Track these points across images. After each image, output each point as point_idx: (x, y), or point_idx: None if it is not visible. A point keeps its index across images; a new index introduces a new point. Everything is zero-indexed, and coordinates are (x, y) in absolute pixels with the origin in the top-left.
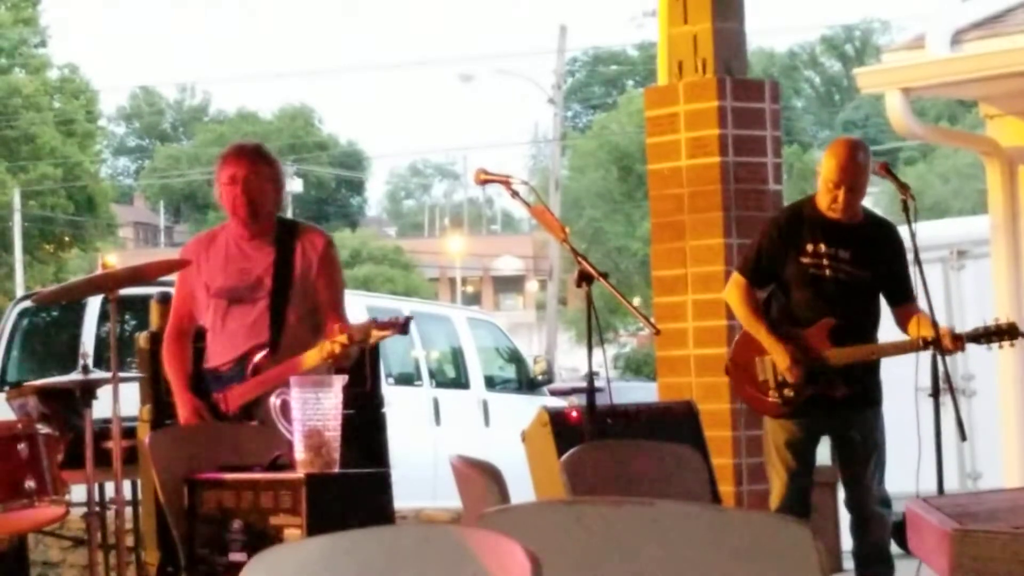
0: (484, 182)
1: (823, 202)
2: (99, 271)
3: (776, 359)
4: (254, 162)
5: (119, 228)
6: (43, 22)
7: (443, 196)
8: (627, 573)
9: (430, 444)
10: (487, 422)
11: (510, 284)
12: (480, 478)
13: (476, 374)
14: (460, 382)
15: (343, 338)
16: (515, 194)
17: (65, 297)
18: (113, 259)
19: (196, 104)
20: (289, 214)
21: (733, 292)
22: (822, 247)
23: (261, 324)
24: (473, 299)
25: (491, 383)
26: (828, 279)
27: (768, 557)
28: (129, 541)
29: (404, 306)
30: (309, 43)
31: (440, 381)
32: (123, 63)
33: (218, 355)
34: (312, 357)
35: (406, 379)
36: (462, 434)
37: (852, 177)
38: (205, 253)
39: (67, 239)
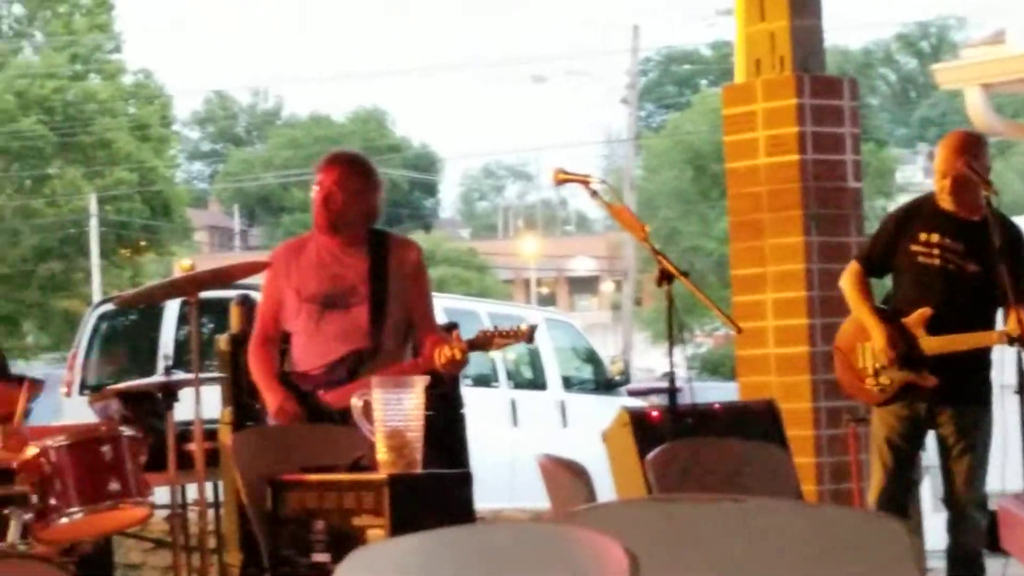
0: (562, 182)
1: (936, 193)
2: (178, 274)
3: (874, 339)
4: (341, 172)
5: (194, 232)
6: (117, 28)
7: (516, 197)
8: (719, 571)
9: (508, 445)
10: (565, 423)
11: (585, 285)
12: (568, 477)
13: (553, 375)
14: (537, 383)
15: (463, 345)
16: (594, 194)
17: (147, 300)
18: (188, 262)
19: (269, 108)
20: None
21: (846, 278)
22: (935, 237)
23: (358, 329)
24: (548, 300)
25: (568, 384)
26: (936, 269)
27: (862, 554)
28: (211, 543)
29: (480, 307)
30: (381, 45)
31: (517, 382)
32: (196, 68)
33: (310, 359)
34: (432, 362)
35: (483, 380)
36: (540, 435)
37: (956, 166)
38: (295, 259)
39: (143, 244)
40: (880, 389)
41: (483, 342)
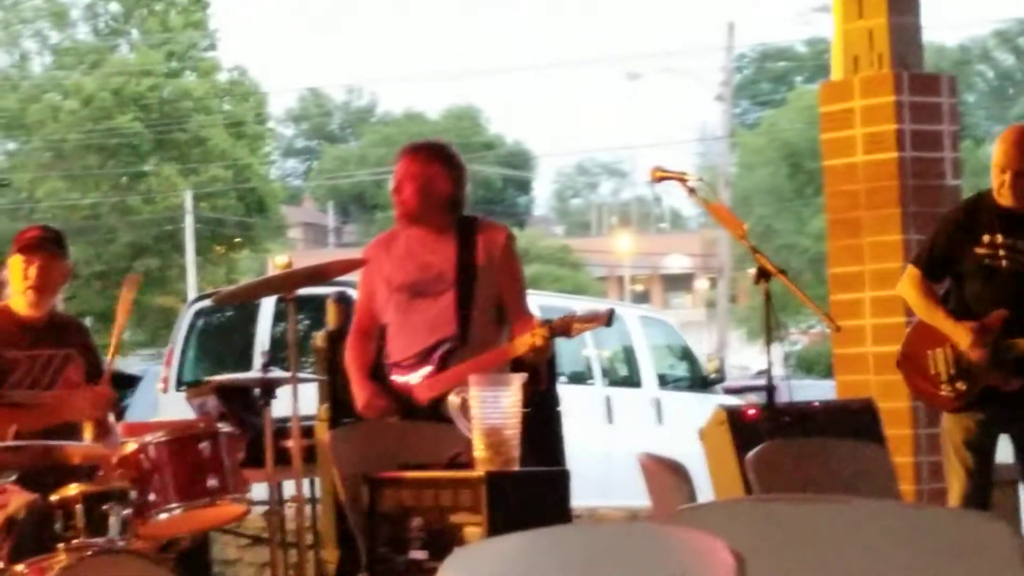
0: (660, 179)
1: (995, 189)
2: (272, 271)
3: (959, 341)
4: (408, 161)
5: (288, 229)
6: (212, 25)
7: (610, 194)
8: (823, 572)
9: (602, 443)
10: (660, 420)
11: (679, 282)
12: (668, 475)
13: (649, 372)
14: (632, 380)
15: (544, 331)
16: (692, 191)
17: (245, 297)
18: (283, 259)
19: (363, 105)
20: None
21: (907, 284)
22: (999, 238)
23: (446, 317)
24: (642, 297)
25: (664, 381)
26: (1004, 271)
27: (969, 554)
28: (308, 539)
29: (575, 305)
30: (476, 43)
31: (612, 380)
32: (291, 65)
33: (401, 349)
34: (514, 349)
35: (578, 378)
36: (635, 432)
37: (1019, 161)
38: (386, 250)
39: (237, 240)
40: (955, 395)
41: (563, 327)
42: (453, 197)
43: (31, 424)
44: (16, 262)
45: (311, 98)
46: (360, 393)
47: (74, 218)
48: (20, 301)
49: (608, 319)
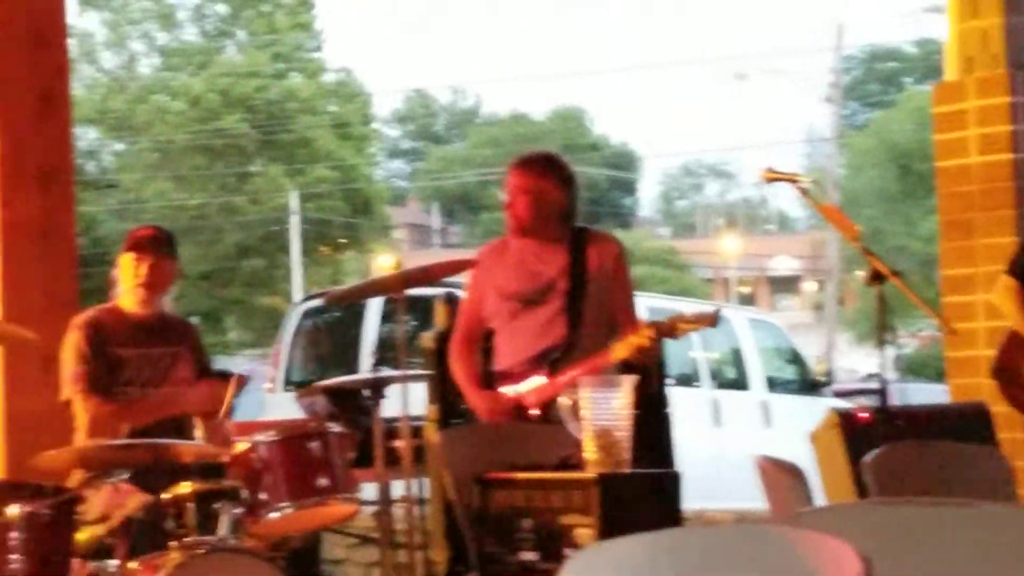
0: (772, 180)
1: None
2: (378, 272)
3: None
4: (521, 176)
5: (393, 230)
6: (318, 26)
7: (716, 196)
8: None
9: (710, 445)
10: (768, 423)
11: (786, 284)
12: (786, 478)
13: (757, 375)
14: (740, 383)
15: (650, 331)
16: (804, 192)
17: (355, 297)
18: (393, 260)
19: (468, 106)
20: None
21: (1004, 293)
22: None
23: (555, 325)
24: (748, 300)
25: (771, 384)
26: None
27: None
28: (416, 539)
29: (681, 307)
30: (581, 44)
31: (720, 382)
32: (396, 66)
33: (509, 356)
34: (619, 350)
35: (686, 380)
36: (742, 435)
37: None
38: (498, 257)
39: (342, 241)
40: None
41: (669, 327)
42: (565, 208)
43: (145, 417)
44: (127, 260)
45: (416, 99)
46: (478, 402)
47: (181, 218)
48: (130, 299)
49: (714, 320)
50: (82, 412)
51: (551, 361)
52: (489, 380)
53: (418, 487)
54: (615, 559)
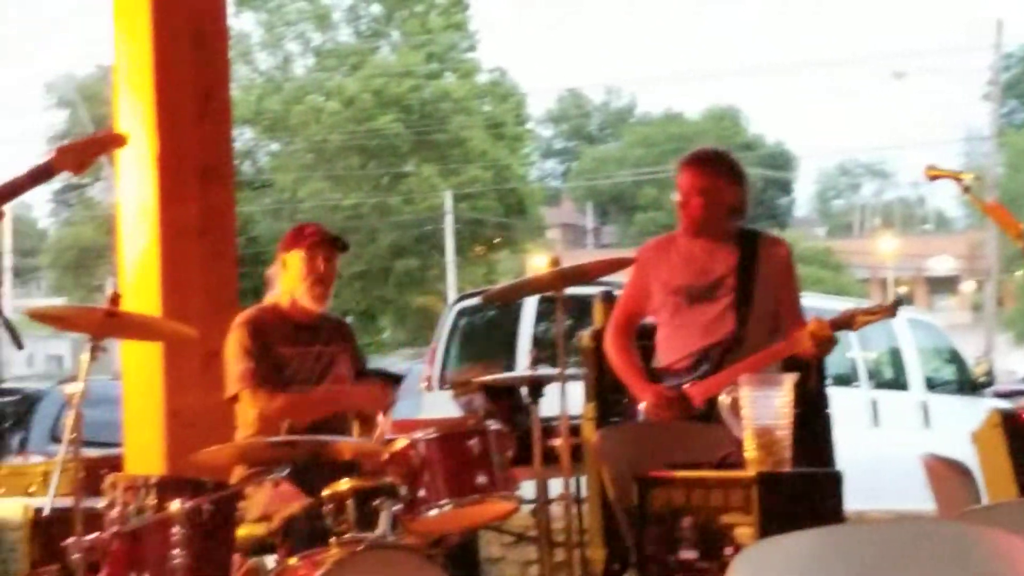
0: (935, 178)
1: None
2: (531, 272)
3: None
4: (694, 175)
5: (547, 230)
6: (472, 27)
7: (873, 195)
8: None
9: (868, 446)
10: (927, 424)
11: (944, 284)
12: (955, 477)
13: (916, 375)
14: (899, 383)
15: (819, 325)
16: (967, 190)
17: (513, 296)
18: (543, 260)
19: (622, 106)
20: None
21: None
22: None
23: (723, 321)
24: (905, 300)
25: (930, 384)
26: None
27: None
28: (575, 538)
29: (839, 307)
30: (735, 43)
31: (879, 382)
32: (550, 66)
33: (673, 352)
34: (794, 344)
35: (843, 380)
36: (901, 436)
37: None
38: (664, 254)
39: (496, 241)
40: None
41: (847, 320)
42: (736, 206)
43: (312, 411)
44: (297, 257)
45: (570, 99)
46: (645, 396)
47: (335, 218)
48: (303, 297)
49: (894, 310)
50: (248, 408)
51: (718, 357)
52: (652, 376)
53: (576, 486)
54: (787, 554)
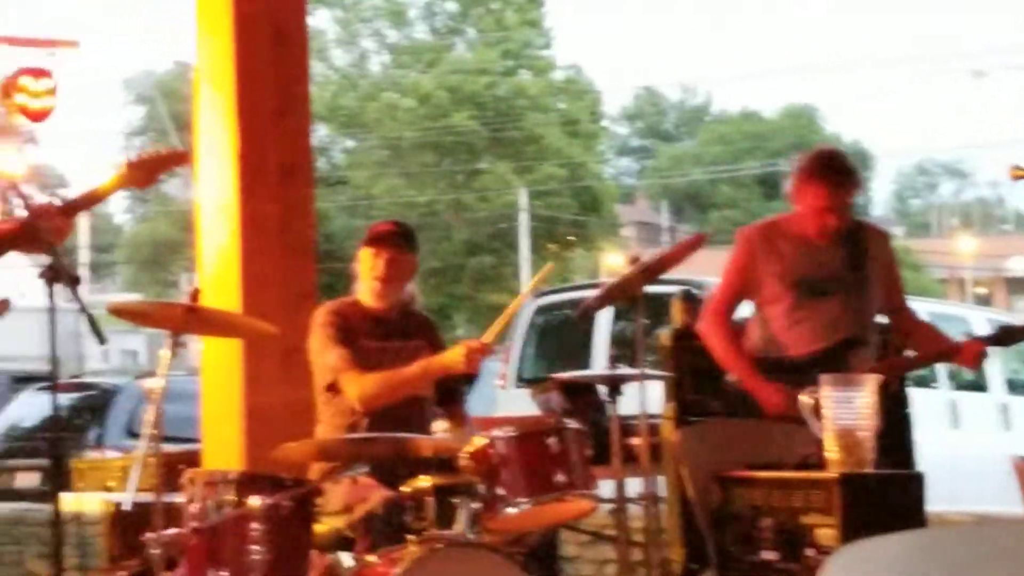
0: (1019, 178)
1: None
2: (606, 270)
3: None
4: (840, 187)
5: (622, 228)
6: (547, 24)
7: (951, 195)
8: None
9: (948, 447)
10: (1007, 426)
11: (1023, 285)
12: None
13: (996, 377)
14: (979, 385)
15: (980, 343)
16: None
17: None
18: (619, 259)
19: (698, 103)
20: None
21: None
22: None
23: (844, 318)
24: (984, 300)
25: (1012, 386)
26: None
27: None
28: (653, 537)
29: (918, 306)
30: (812, 41)
31: (959, 383)
32: (626, 64)
33: (794, 346)
34: (958, 354)
35: (923, 381)
36: (981, 437)
37: None
38: (772, 243)
39: (571, 239)
40: None
41: (1007, 336)
42: (850, 204)
43: (409, 384)
44: (366, 254)
45: (646, 96)
46: (766, 392)
47: (410, 215)
48: (367, 294)
49: None
50: (352, 389)
51: (843, 354)
52: (764, 368)
53: (655, 485)
54: (878, 557)
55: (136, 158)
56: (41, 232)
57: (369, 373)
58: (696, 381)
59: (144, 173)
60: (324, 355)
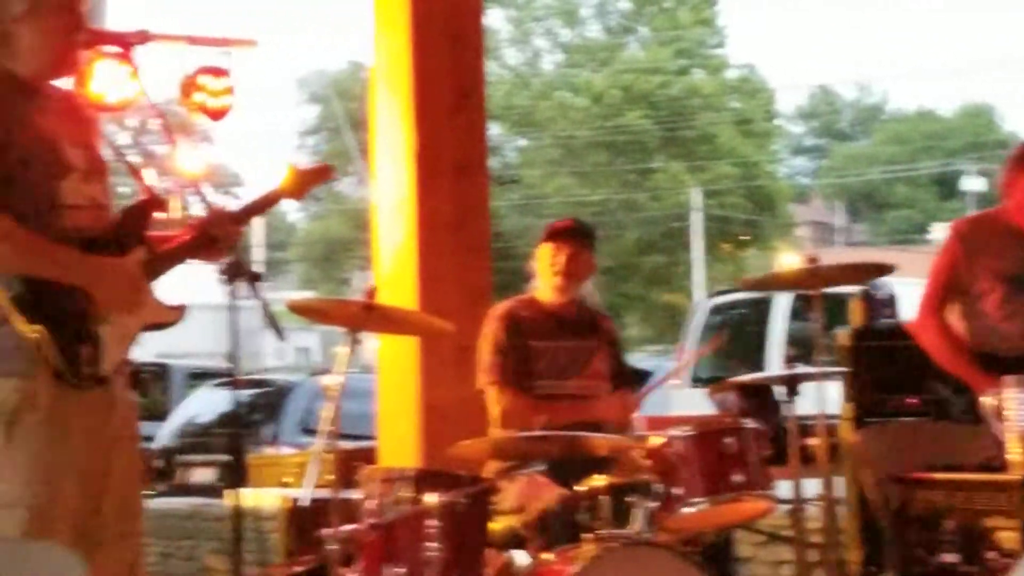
0: None
1: None
2: (779, 268)
3: None
4: None
5: (796, 228)
6: (721, 22)
7: None
8: None
9: None
10: None
11: None
12: None
13: None
14: None
15: None
16: None
17: (771, 288)
18: (793, 258)
19: (874, 102)
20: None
21: None
22: None
23: None
24: None
25: None
26: None
27: None
28: (831, 539)
29: None
30: (988, 37)
31: None
32: (801, 62)
33: (1006, 340)
34: None
35: None
36: None
37: None
38: (986, 236)
39: (744, 238)
40: None
41: None
42: None
43: (558, 417)
44: (545, 250)
45: (820, 95)
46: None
47: (582, 214)
48: (546, 290)
49: None
50: (494, 403)
51: None
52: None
53: (832, 486)
54: None
55: (292, 168)
56: (217, 241)
57: (518, 390)
58: (875, 382)
59: (298, 185)
60: (482, 358)
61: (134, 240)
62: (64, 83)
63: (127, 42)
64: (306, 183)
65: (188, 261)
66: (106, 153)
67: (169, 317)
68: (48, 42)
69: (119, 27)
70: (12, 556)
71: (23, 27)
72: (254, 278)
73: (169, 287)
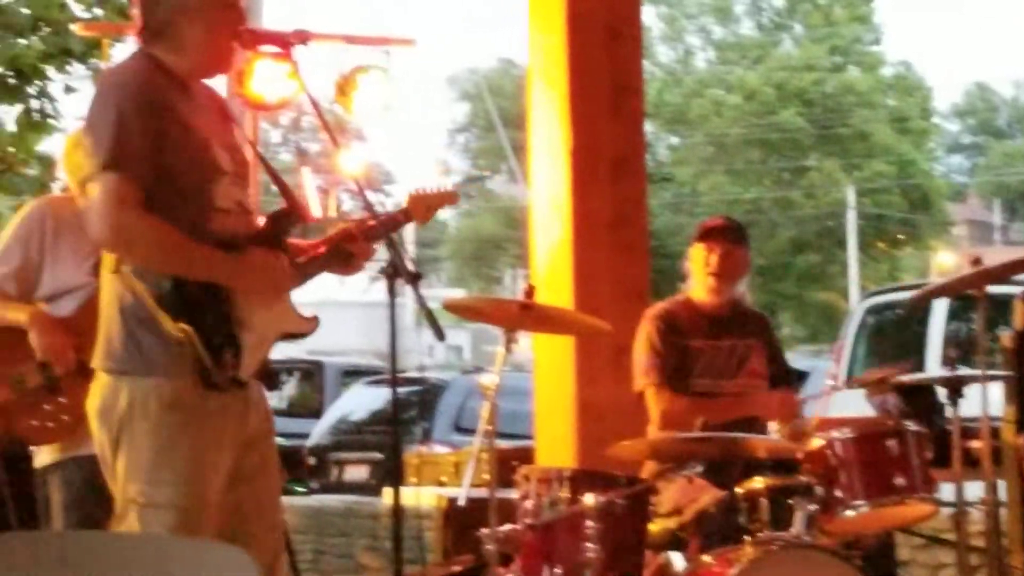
0: None
1: None
2: (938, 269)
3: None
4: None
5: (952, 226)
6: (876, 19)
7: None
8: None
9: None
10: None
11: None
12: None
13: None
14: None
15: None
16: None
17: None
18: (950, 258)
19: None
20: None
21: None
22: None
23: None
24: None
25: None
26: None
27: None
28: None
29: None
30: None
31: None
32: (958, 60)
33: None
34: None
35: None
36: None
37: None
38: None
39: (900, 237)
40: None
41: None
42: None
43: (717, 415)
44: (698, 250)
45: (977, 93)
46: None
47: (735, 212)
48: (700, 290)
49: None
50: (653, 405)
51: None
52: None
53: (996, 489)
54: None
55: (418, 192)
56: (353, 256)
57: (676, 391)
58: None
59: (425, 206)
60: (639, 360)
61: (276, 246)
62: (214, 82)
63: (287, 41)
64: (431, 207)
65: (322, 273)
66: (250, 154)
67: (303, 327)
68: (212, 38)
69: (275, 27)
70: (189, 554)
71: (187, 19)
72: (414, 278)
73: (319, 284)
